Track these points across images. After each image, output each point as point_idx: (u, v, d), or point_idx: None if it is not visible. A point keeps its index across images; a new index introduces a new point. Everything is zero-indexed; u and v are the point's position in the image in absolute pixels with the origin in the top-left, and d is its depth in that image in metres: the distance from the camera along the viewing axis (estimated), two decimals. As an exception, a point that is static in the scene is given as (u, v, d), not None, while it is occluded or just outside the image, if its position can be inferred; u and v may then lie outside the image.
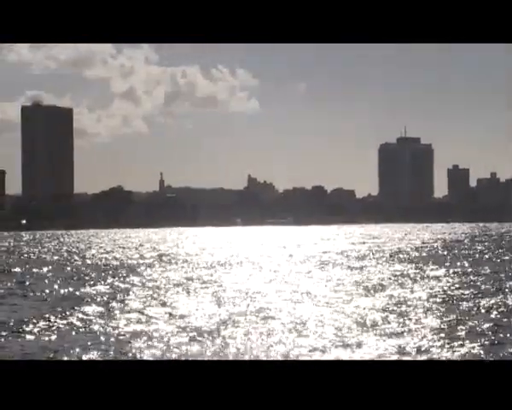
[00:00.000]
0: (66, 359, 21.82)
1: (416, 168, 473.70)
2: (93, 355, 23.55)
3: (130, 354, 27.05)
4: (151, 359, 21.74)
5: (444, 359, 21.22)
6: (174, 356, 22.67)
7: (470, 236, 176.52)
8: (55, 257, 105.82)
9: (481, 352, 25.35)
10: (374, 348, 27.06)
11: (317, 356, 22.48)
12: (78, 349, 28.66)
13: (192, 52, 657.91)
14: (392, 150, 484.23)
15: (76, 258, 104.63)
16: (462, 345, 26.91)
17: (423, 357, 21.71)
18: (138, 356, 24.45)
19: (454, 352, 24.85)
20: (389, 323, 33.78)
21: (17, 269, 77.80)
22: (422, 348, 25.93)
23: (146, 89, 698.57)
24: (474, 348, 26.43)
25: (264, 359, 21.35)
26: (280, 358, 21.95)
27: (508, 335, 29.76)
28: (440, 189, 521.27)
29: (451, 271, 63.36)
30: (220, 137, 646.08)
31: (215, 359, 21.38)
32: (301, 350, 27.36)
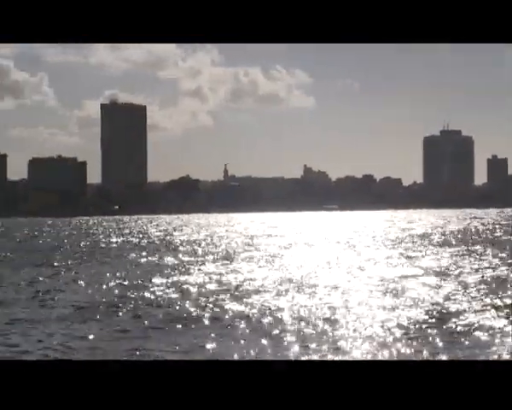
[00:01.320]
0: (65, 359, 21.07)
1: (458, 158, 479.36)
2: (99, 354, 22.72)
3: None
4: (151, 359, 20.92)
5: (444, 359, 20.09)
6: (174, 357, 21.69)
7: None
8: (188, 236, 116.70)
9: None
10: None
11: (317, 356, 21.35)
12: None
13: (253, 54, 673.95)
14: (436, 142, 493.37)
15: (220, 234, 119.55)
16: None
17: (423, 357, 20.69)
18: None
19: None
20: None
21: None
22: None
23: (212, 87, 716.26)
24: None
25: (264, 359, 20.50)
26: (280, 358, 21.01)
27: None
28: (480, 177, 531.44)
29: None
30: (279, 131, 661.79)
31: (215, 359, 20.42)
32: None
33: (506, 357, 19.76)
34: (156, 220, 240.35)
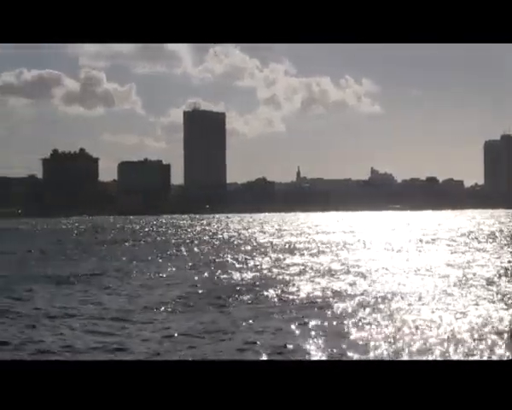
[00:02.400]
0: (65, 359, 20.20)
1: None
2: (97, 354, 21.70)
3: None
4: (151, 359, 19.98)
5: (444, 359, 18.95)
6: (175, 356, 20.62)
7: None
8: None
9: None
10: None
11: (317, 356, 20.37)
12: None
13: (323, 65, 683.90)
14: (497, 146, 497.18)
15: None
16: None
17: (423, 357, 19.52)
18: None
19: None
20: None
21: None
22: None
23: (286, 96, 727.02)
24: None
25: (265, 359, 19.47)
26: (280, 358, 19.89)
27: None
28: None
29: None
30: (348, 136, 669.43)
31: (215, 359, 19.32)
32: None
33: (506, 357, 18.67)
34: (241, 218, 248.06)
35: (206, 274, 48.46)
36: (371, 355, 19.42)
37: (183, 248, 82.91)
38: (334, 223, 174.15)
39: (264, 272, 49.62)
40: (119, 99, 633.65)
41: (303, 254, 65.54)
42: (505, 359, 18.18)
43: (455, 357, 18.94)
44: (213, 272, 49.74)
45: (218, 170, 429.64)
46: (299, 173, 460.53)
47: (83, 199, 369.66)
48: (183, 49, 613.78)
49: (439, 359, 18.73)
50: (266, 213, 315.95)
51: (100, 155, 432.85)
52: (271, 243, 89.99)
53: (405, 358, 18.71)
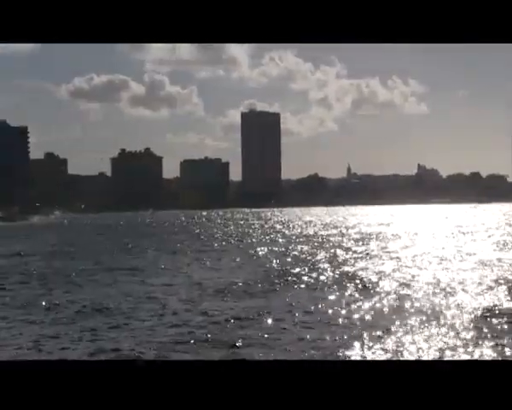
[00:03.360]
0: (65, 359, 19.30)
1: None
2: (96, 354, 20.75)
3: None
4: (151, 359, 19.19)
5: (444, 359, 18.33)
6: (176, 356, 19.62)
7: None
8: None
9: None
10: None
11: (318, 356, 19.50)
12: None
13: (372, 67, 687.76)
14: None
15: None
16: None
17: (424, 357, 18.72)
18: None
19: None
20: None
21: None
22: None
23: (337, 97, 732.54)
24: None
25: (265, 359, 18.60)
26: (280, 358, 18.90)
27: None
28: None
29: None
30: (396, 134, 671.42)
31: (215, 359, 18.35)
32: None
33: (506, 357, 17.79)
34: (298, 212, 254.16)
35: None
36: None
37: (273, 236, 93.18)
38: (395, 217, 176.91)
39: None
40: (182, 101, 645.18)
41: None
42: (505, 359, 17.12)
43: (455, 357, 17.63)
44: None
45: (273, 167, 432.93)
46: (349, 169, 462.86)
47: (148, 195, 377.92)
48: (240, 55, 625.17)
49: (439, 359, 17.77)
50: (319, 208, 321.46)
51: (163, 154, 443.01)
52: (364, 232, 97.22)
53: (405, 358, 17.46)
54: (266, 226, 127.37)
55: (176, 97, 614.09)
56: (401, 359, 18.08)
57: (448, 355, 18.68)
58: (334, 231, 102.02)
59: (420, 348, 21.82)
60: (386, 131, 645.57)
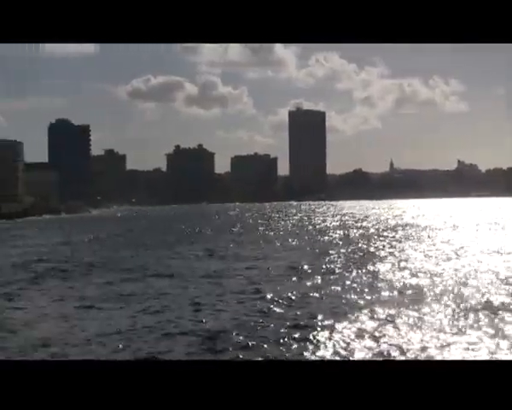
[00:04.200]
0: (65, 359, 18.36)
1: None
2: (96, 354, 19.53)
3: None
4: (151, 359, 18.22)
5: (444, 359, 17.42)
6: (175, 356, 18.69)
7: None
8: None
9: None
10: None
11: (318, 356, 18.61)
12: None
13: (414, 67, 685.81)
14: None
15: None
16: None
17: (423, 357, 17.91)
18: None
19: None
20: None
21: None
22: None
23: (380, 96, 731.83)
24: None
25: (264, 359, 17.79)
26: (280, 358, 18.10)
27: None
28: None
29: None
30: (436, 131, 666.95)
31: (215, 359, 17.69)
32: None
33: (506, 357, 17.46)
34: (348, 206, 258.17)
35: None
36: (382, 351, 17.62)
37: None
38: (437, 209, 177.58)
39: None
40: (232, 101, 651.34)
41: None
42: (505, 359, 16.78)
43: (455, 357, 17.12)
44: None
45: (319, 163, 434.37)
46: (392, 165, 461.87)
47: (202, 189, 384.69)
48: (288, 56, 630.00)
49: (439, 359, 17.24)
50: (364, 201, 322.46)
51: (215, 150, 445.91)
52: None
53: (405, 358, 17.12)
54: (327, 217, 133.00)
55: (227, 97, 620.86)
56: (401, 359, 17.08)
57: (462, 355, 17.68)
58: (391, 223, 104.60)
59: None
60: (427, 128, 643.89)
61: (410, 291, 33.50)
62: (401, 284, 36.15)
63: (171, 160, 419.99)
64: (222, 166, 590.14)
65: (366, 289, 34.11)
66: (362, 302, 30.09)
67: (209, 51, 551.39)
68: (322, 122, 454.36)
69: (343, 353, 20.49)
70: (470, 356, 17.65)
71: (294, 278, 39.37)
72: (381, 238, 69.49)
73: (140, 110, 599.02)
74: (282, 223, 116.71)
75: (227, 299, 32.11)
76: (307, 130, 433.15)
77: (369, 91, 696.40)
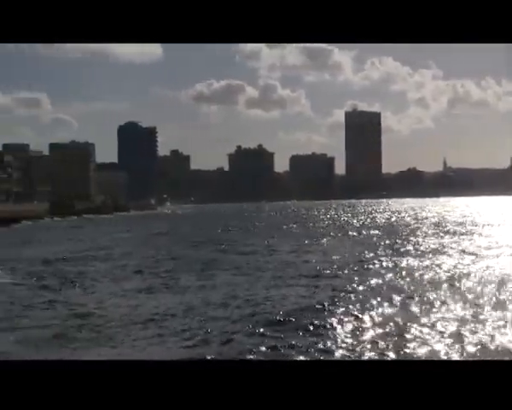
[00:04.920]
0: (65, 359, 16.88)
1: None
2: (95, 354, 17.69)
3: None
4: (151, 359, 16.72)
5: (444, 359, 16.72)
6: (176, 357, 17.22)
7: None
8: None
9: None
10: None
11: (318, 356, 17.32)
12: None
13: (466, 69, 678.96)
14: None
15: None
16: None
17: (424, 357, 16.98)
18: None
19: None
20: None
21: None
22: None
23: (433, 97, 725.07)
24: None
25: (265, 359, 16.86)
26: (280, 358, 16.92)
27: None
28: None
29: None
30: (489, 131, 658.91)
31: (215, 359, 16.64)
32: None
33: (506, 357, 16.58)
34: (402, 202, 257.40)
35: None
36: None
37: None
38: (490, 206, 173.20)
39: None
40: (291, 103, 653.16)
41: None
42: (505, 359, 16.43)
43: (455, 357, 16.81)
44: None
45: (374, 162, 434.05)
46: (445, 164, 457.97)
47: (261, 187, 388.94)
48: (344, 60, 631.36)
49: (439, 359, 16.73)
50: (419, 198, 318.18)
51: (275, 150, 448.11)
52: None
53: (405, 358, 16.75)
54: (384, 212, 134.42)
55: (286, 99, 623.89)
56: (401, 359, 16.73)
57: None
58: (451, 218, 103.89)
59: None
60: (480, 128, 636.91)
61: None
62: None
63: (232, 160, 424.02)
64: (281, 165, 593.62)
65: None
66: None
67: (269, 56, 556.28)
68: (377, 122, 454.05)
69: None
70: (469, 357, 16.82)
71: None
72: (456, 234, 67.73)
73: (203, 113, 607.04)
74: (352, 219, 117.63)
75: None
76: (363, 130, 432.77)
77: (422, 93, 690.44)
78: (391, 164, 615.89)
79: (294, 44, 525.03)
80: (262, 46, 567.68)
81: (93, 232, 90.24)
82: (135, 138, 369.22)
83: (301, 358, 16.84)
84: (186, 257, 47.06)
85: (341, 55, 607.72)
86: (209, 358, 16.81)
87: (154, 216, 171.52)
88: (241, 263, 41.55)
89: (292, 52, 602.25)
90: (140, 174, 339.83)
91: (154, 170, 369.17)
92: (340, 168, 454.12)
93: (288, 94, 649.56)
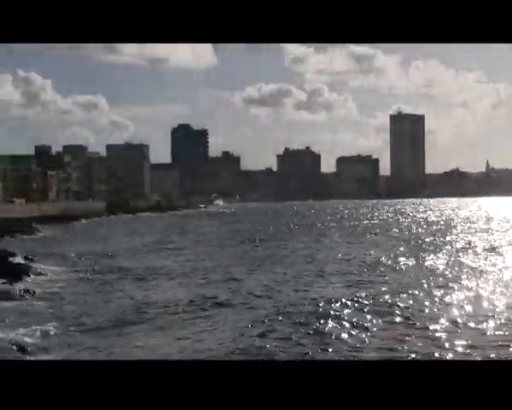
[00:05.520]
0: (65, 359, 16.59)
1: None
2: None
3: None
4: (151, 359, 16.26)
5: (444, 359, 16.40)
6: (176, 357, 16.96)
7: None
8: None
9: None
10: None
11: (317, 356, 16.98)
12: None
13: (509, 72, 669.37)
14: None
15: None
16: None
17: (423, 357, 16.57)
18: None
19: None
20: None
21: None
22: None
23: (476, 100, 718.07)
24: None
25: (265, 359, 16.50)
26: (280, 358, 16.62)
27: None
28: None
29: None
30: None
31: (215, 359, 16.30)
32: None
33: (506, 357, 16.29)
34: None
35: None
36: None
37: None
38: None
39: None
40: (337, 106, 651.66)
41: None
42: (505, 359, 16.12)
43: (455, 357, 16.44)
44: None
45: (418, 162, 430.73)
46: (488, 165, 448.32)
47: (308, 187, 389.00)
48: (389, 64, 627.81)
49: (439, 359, 16.40)
50: (462, 198, 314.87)
51: (321, 152, 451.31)
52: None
53: (405, 358, 16.42)
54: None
55: (332, 103, 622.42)
56: (401, 359, 16.42)
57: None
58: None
59: None
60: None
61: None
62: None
63: (280, 160, 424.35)
64: (327, 166, 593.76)
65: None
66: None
67: (316, 61, 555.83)
68: (421, 125, 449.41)
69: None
70: (469, 357, 16.63)
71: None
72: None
73: (253, 115, 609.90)
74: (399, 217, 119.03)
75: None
76: (407, 132, 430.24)
77: (465, 95, 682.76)
78: (434, 165, 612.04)
79: (341, 50, 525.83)
80: (310, 51, 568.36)
81: (151, 229, 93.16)
82: (187, 140, 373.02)
83: (302, 358, 16.96)
84: (276, 254, 48.79)
85: (386, 58, 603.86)
86: (209, 358, 16.66)
87: (205, 214, 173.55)
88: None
89: (338, 57, 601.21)
90: (192, 174, 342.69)
91: (206, 170, 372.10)
92: (385, 169, 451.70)
93: (334, 97, 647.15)
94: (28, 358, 17.17)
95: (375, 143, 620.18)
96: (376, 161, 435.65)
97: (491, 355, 16.63)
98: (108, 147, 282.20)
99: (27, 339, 19.24)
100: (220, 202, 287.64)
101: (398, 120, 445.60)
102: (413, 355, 16.86)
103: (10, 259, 39.36)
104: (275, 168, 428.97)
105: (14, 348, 18.05)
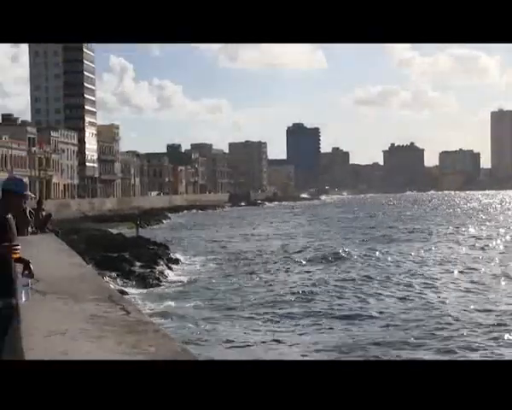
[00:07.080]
0: (65, 359, 9.67)
1: None
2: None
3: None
4: (151, 359, 9.48)
5: (443, 359, 15.45)
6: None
7: None
8: None
9: None
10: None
11: (317, 356, 16.03)
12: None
13: None
14: None
15: None
16: None
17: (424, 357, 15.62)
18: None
19: None
20: None
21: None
22: None
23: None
24: None
25: (265, 359, 15.45)
26: (281, 358, 15.54)
27: None
28: None
29: None
30: None
31: (215, 359, 15.18)
32: None
33: (506, 357, 15.42)
34: None
35: None
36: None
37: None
38: None
39: None
40: (440, 104, 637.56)
41: None
42: (505, 359, 15.10)
43: (455, 358, 15.43)
44: None
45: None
46: None
47: (412, 179, 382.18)
48: (491, 64, 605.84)
49: (439, 359, 15.49)
50: None
51: (425, 147, 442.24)
52: None
53: (405, 358, 15.44)
54: None
55: (435, 101, 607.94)
56: (401, 359, 15.48)
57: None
58: None
59: None
60: None
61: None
62: None
63: (387, 155, 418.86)
64: (430, 160, 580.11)
65: None
66: None
67: (421, 63, 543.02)
68: None
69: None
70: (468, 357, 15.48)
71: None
72: None
73: (361, 114, 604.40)
74: None
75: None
76: (508, 128, 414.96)
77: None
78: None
79: (445, 52, 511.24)
80: (415, 54, 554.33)
81: (277, 217, 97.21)
82: (301, 137, 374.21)
83: (301, 358, 15.84)
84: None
85: (488, 59, 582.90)
86: (209, 358, 15.46)
87: (320, 203, 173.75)
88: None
89: (441, 58, 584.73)
90: (305, 168, 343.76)
91: (318, 165, 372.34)
92: (485, 163, 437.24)
93: (437, 96, 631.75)
94: (28, 358, 17.15)
95: (477, 138, 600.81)
96: (477, 155, 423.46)
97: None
98: (230, 145, 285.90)
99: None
100: (331, 195, 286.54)
101: (498, 116, 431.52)
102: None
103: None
104: (381, 163, 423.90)
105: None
